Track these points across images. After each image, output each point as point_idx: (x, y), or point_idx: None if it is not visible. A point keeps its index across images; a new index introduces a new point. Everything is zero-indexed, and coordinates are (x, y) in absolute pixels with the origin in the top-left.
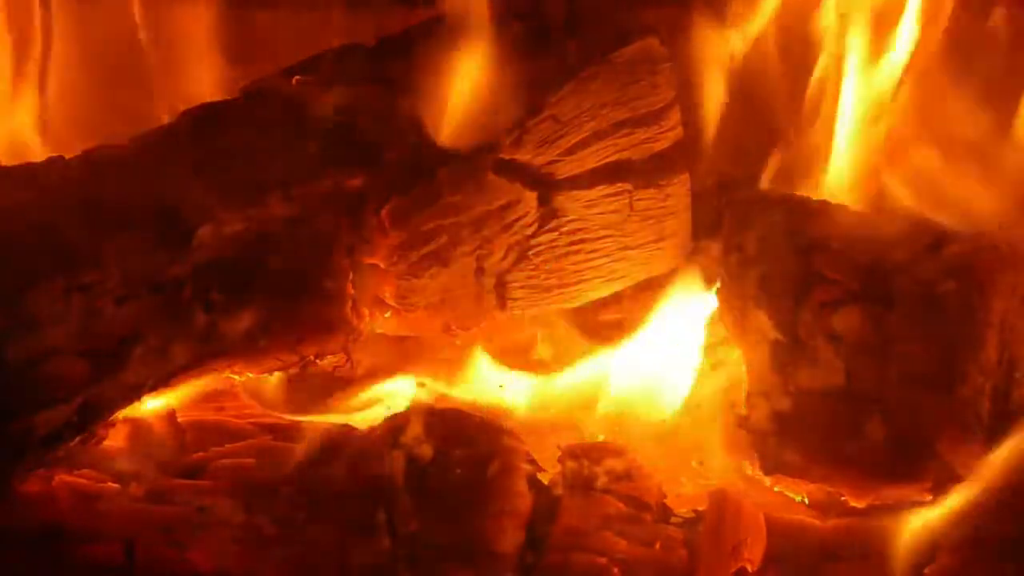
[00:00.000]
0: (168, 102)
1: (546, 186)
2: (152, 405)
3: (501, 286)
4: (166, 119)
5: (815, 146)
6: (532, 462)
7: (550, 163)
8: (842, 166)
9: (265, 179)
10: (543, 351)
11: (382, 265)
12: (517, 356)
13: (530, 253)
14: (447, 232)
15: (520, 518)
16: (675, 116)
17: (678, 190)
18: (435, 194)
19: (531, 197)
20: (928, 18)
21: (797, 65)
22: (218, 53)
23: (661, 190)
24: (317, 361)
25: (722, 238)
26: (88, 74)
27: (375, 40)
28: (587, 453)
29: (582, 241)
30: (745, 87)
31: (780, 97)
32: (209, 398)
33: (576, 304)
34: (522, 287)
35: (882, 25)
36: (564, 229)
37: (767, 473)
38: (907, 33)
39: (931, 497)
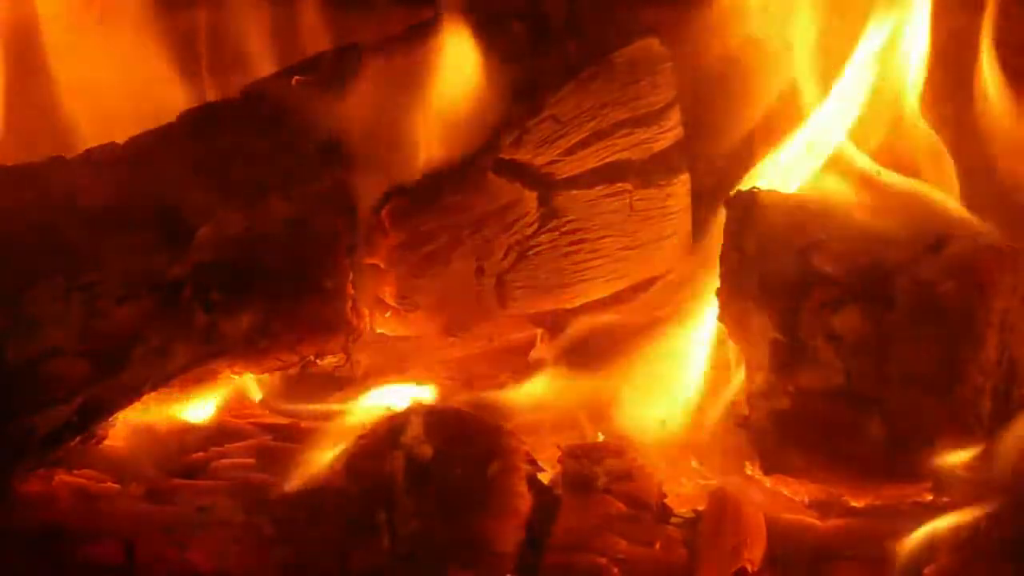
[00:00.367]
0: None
1: (546, 186)
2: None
3: (501, 286)
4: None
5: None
6: (532, 462)
7: (550, 163)
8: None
9: (265, 179)
10: (543, 351)
11: (382, 265)
12: (517, 356)
13: (530, 253)
14: (447, 232)
15: (520, 518)
16: (675, 116)
17: (678, 190)
18: (435, 194)
19: (531, 197)
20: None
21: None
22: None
23: (661, 190)
24: (317, 361)
25: (722, 238)
26: None
27: (375, 40)
28: (587, 453)
29: (582, 241)
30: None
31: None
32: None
33: (576, 304)
34: (522, 287)
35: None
36: (564, 229)
37: (767, 473)
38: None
39: (931, 497)
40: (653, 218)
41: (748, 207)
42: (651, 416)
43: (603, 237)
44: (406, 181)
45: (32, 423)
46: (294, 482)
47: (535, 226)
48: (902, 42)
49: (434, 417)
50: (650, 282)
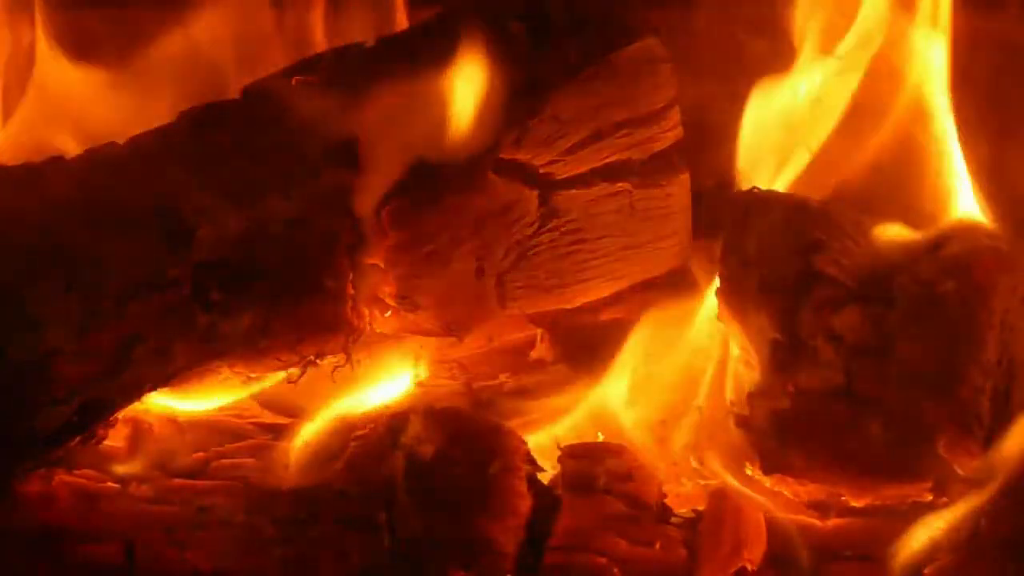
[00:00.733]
0: None
1: (546, 186)
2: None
3: (501, 286)
4: None
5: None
6: (532, 462)
7: (550, 163)
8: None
9: (265, 179)
10: (543, 351)
11: (382, 265)
12: (517, 356)
13: (530, 253)
14: (447, 232)
15: (520, 518)
16: (675, 116)
17: (678, 190)
18: (435, 194)
19: (531, 197)
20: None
21: None
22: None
23: (661, 190)
24: (317, 361)
25: (722, 238)
26: None
27: (375, 40)
28: (587, 453)
29: (582, 241)
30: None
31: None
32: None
33: (576, 304)
34: (522, 287)
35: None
36: (564, 229)
37: (767, 473)
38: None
39: (931, 497)
40: (653, 218)
41: (748, 207)
42: (651, 416)
43: (603, 237)
44: (406, 181)
45: (32, 423)
46: (294, 482)
47: (535, 226)
48: (922, 35)
49: (434, 417)
50: (650, 282)
